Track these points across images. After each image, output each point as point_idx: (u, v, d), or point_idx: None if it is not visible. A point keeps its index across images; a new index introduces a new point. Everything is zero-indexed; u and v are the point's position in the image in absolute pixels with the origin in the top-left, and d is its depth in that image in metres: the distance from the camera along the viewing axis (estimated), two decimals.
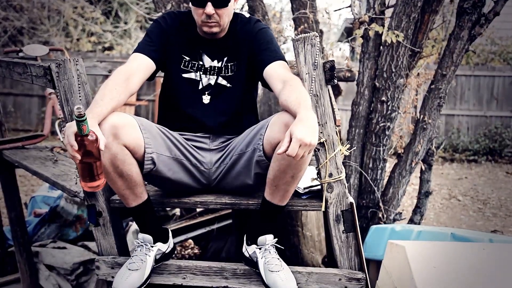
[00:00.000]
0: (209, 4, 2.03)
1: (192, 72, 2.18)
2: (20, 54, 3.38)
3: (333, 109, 2.02)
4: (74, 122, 1.67)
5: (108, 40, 11.64)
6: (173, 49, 2.17)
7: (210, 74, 2.18)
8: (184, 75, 2.18)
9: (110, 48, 12.02)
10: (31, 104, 10.77)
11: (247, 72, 2.19)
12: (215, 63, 2.18)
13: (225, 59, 2.19)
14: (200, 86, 2.18)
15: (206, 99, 2.18)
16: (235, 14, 2.22)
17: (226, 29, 2.19)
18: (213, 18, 2.06)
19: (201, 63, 2.18)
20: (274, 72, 2.02)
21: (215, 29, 2.10)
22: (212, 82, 2.18)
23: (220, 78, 2.18)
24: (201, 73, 2.18)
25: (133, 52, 2.11)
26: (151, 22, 2.29)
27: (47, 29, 10.50)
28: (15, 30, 10.28)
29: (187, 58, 2.18)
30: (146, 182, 2.11)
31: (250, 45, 2.16)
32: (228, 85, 2.18)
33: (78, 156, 1.68)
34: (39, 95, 10.51)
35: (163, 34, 2.15)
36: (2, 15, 8.13)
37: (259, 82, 2.28)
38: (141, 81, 2.06)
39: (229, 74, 2.18)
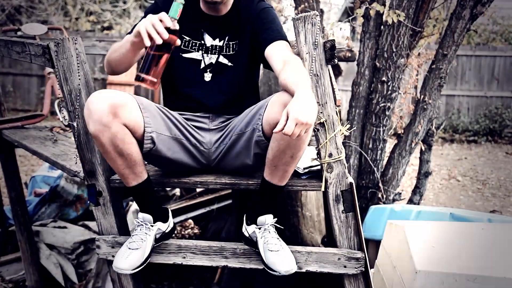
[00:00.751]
0: None
1: (193, 51, 2.17)
2: (19, 33, 3.35)
3: (333, 89, 2.01)
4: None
5: (107, 19, 11.55)
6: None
7: (211, 53, 2.16)
8: (185, 55, 2.17)
9: (109, 27, 11.93)
10: (30, 84, 10.73)
11: (249, 51, 2.17)
12: (217, 42, 2.16)
13: (227, 37, 2.17)
14: (202, 65, 2.17)
15: (207, 76, 2.16)
16: None
17: (229, 6, 2.16)
18: None
19: (202, 42, 2.16)
20: (275, 51, 2.01)
21: None
22: (213, 60, 2.17)
23: (221, 57, 2.17)
24: (202, 52, 2.16)
25: (128, 33, 2.07)
26: (151, 2, 2.27)
27: (46, 8, 10.42)
28: (13, 8, 10.19)
29: (188, 38, 2.16)
30: (146, 162, 2.11)
31: (252, 24, 2.14)
32: (229, 64, 2.17)
33: (165, 33, 1.72)
34: (38, 74, 10.46)
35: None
36: None
37: (261, 64, 2.27)
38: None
39: (231, 53, 2.17)
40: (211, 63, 2.17)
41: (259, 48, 2.09)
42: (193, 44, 2.17)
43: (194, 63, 2.17)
